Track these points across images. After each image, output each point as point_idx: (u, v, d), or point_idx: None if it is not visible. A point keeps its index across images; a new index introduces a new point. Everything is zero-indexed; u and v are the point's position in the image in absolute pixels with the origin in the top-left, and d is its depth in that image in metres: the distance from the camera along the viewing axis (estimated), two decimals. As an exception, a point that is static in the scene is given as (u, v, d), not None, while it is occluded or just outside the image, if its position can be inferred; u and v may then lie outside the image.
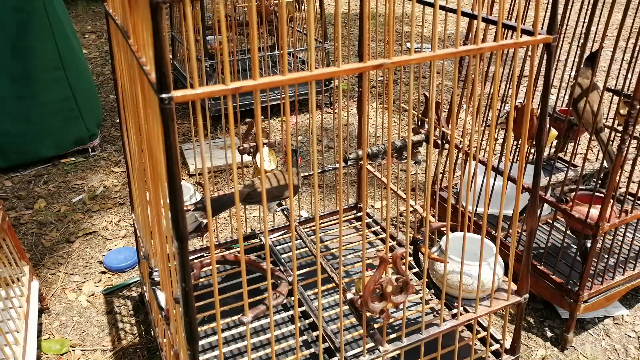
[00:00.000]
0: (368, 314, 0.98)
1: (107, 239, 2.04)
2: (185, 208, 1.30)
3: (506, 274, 1.09)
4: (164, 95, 0.63)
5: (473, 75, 1.61)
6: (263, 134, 1.45)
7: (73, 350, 1.55)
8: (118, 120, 2.96)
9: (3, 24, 2.24)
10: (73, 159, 2.62)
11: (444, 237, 1.16)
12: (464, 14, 0.94)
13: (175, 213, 0.69)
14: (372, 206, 2.17)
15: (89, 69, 2.83)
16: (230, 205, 1.29)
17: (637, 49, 1.43)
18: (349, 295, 1.01)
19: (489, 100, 1.85)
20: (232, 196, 1.28)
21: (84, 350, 1.55)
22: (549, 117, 1.79)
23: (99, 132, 2.72)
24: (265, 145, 1.46)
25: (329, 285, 1.41)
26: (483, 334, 1.26)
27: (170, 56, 3.46)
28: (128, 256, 1.89)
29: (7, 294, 1.40)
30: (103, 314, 1.68)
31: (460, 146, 1.54)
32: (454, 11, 0.96)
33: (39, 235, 2.06)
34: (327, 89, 3.13)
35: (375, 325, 1.08)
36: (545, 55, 0.86)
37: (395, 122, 2.37)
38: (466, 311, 1.09)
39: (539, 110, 0.94)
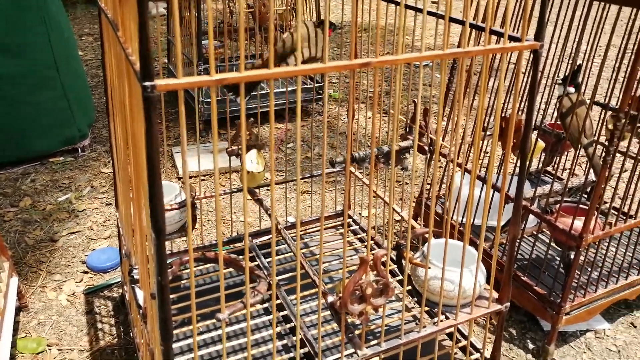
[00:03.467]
0: (348, 318, 0.98)
1: (92, 239, 2.02)
2: (170, 207, 1.30)
3: (488, 282, 1.09)
4: (146, 83, 0.63)
5: (459, 81, 1.63)
6: (252, 136, 1.44)
7: (49, 350, 1.53)
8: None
9: (-4, 20, 2.24)
10: (62, 158, 2.60)
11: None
12: (452, 19, 0.95)
13: (154, 205, 0.68)
14: (360, 214, 2.16)
15: (83, 70, 2.82)
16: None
17: (621, 64, 1.44)
18: (330, 299, 1.01)
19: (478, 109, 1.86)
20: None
21: (61, 349, 1.53)
22: (537, 130, 1.81)
23: (89, 133, 2.71)
24: (253, 148, 1.45)
25: (313, 290, 1.40)
26: (464, 342, 1.26)
27: (166, 60, 3.46)
28: (111, 256, 1.87)
29: (-15, 288, 1.38)
30: (82, 313, 1.66)
31: (447, 153, 1.55)
32: (442, 17, 0.96)
33: (23, 233, 2.04)
34: (319, 97, 3.14)
35: (356, 332, 1.08)
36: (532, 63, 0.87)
37: (386, 130, 2.38)
38: (447, 318, 1.08)
39: (524, 119, 0.94)
